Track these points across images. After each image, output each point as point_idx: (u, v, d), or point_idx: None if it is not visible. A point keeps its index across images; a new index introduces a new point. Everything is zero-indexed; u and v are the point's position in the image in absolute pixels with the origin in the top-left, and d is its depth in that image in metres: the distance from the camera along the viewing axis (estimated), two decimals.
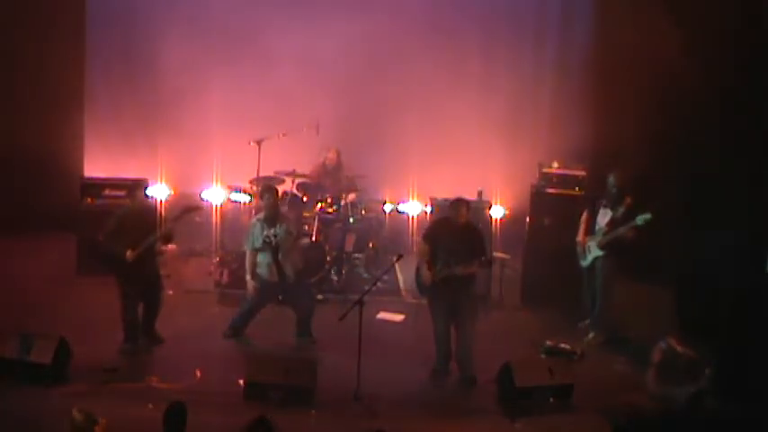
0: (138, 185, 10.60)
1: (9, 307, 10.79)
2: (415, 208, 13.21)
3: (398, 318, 11.66)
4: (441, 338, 10.02)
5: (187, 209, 10.59)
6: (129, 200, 10.39)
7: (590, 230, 11.18)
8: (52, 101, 13.55)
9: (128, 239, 10.07)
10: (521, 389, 9.39)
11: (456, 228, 10.02)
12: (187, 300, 11.60)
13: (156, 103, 14.14)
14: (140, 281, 10.21)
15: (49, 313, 10.89)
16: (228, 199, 13.29)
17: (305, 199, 12.68)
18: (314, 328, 10.68)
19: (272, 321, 10.89)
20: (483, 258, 10.05)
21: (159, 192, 13.21)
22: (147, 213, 10.37)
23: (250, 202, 12.86)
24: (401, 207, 13.33)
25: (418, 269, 10.18)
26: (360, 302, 9.49)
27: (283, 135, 12.78)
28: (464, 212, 10.06)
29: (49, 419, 8.46)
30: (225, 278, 12.24)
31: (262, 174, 12.64)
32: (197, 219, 10.82)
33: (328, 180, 12.91)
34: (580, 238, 11.24)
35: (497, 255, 11.97)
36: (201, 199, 13.49)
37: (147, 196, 12.39)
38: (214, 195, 13.40)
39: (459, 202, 10.13)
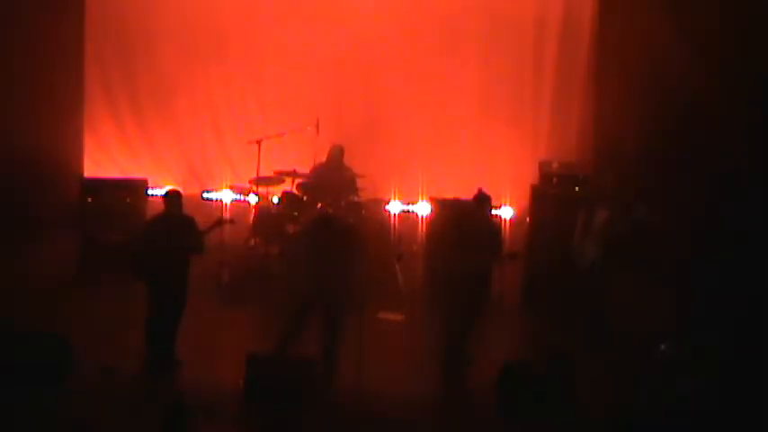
0: (176, 194, 10.29)
1: (9, 307, 10.78)
2: (424, 208, 13.17)
3: (398, 317, 11.66)
4: (455, 335, 9.99)
5: (218, 221, 10.52)
6: (165, 208, 10.17)
7: (588, 230, 11.19)
8: (52, 101, 13.54)
9: (158, 248, 9.93)
10: (520, 389, 9.39)
11: (477, 223, 10.01)
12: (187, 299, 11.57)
13: (156, 102, 14.15)
14: (168, 290, 9.98)
15: (48, 313, 10.87)
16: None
17: (305, 199, 12.67)
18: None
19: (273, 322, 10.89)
20: (511, 252, 10.14)
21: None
22: (180, 224, 10.07)
23: (256, 203, 12.85)
24: (401, 207, 13.31)
25: (438, 258, 10.13)
26: (360, 302, 9.49)
27: (283, 135, 12.78)
28: (488, 208, 10.07)
29: (48, 419, 8.46)
30: (225, 278, 12.24)
31: (262, 174, 12.64)
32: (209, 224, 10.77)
33: (329, 179, 12.86)
34: (577, 238, 11.25)
35: None
36: (203, 198, 13.50)
37: (148, 196, 12.43)
38: (214, 195, 13.39)
39: (483, 197, 10.11)
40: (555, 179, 12.27)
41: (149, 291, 10.05)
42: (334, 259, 9.73)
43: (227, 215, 12.07)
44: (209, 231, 10.27)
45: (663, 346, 9.29)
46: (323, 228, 10.03)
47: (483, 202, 10.08)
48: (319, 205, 12.44)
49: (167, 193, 10.20)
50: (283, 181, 12.87)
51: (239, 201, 13.24)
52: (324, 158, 13.08)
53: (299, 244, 10.30)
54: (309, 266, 9.85)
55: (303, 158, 13.05)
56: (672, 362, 9.22)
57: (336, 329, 9.79)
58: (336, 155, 12.97)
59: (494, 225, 10.29)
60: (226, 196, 13.22)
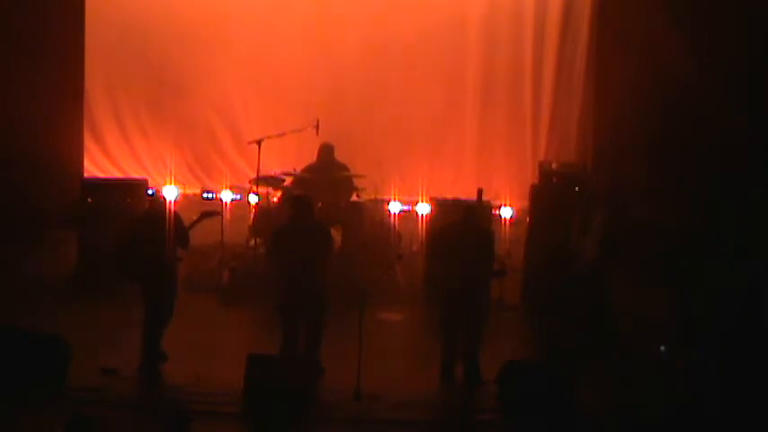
0: (154, 196, 10.31)
1: (9, 307, 10.78)
2: (424, 208, 13.15)
3: (398, 317, 11.64)
4: (450, 346, 9.98)
5: (202, 215, 10.49)
6: (147, 206, 10.13)
7: (587, 230, 11.18)
8: (52, 101, 13.55)
9: (144, 248, 9.95)
10: (521, 389, 9.38)
11: (464, 233, 9.94)
12: (187, 299, 11.58)
13: (156, 103, 14.17)
14: (159, 290, 9.91)
15: (48, 313, 10.88)
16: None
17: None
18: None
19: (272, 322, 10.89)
20: (497, 269, 10.09)
21: (169, 192, 13.10)
22: (162, 220, 9.99)
23: (256, 203, 12.84)
24: (401, 207, 13.29)
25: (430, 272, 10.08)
26: (360, 302, 9.48)
27: (283, 135, 12.78)
28: (471, 217, 10.02)
29: (47, 420, 8.46)
30: (225, 278, 12.23)
31: (262, 174, 12.63)
32: (194, 218, 10.75)
33: (324, 179, 12.82)
34: (577, 238, 11.25)
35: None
36: (203, 198, 13.50)
37: (150, 197, 12.41)
38: (215, 195, 13.40)
39: (466, 205, 10.08)
40: (555, 179, 12.25)
41: (138, 289, 10.01)
42: (302, 259, 9.72)
43: (211, 208, 11.94)
44: (194, 226, 10.24)
45: (663, 348, 9.28)
46: (294, 222, 9.96)
47: (478, 209, 10.03)
48: (320, 204, 12.44)
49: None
50: (283, 181, 12.86)
51: (239, 200, 13.24)
52: (314, 158, 13.05)
53: (272, 243, 10.29)
54: (281, 266, 9.87)
55: (303, 158, 13.06)
56: (672, 363, 9.22)
57: (314, 329, 9.81)
58: (327, 153, 12.92)
59: (487, 235, 10.19)
60: (226, 196, 13.21)
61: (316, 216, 10.46)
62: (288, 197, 10.53)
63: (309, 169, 12.92)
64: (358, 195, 12.83)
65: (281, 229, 10.13)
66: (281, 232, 10.06)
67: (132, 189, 12.67)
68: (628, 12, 12.73)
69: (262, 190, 12.81)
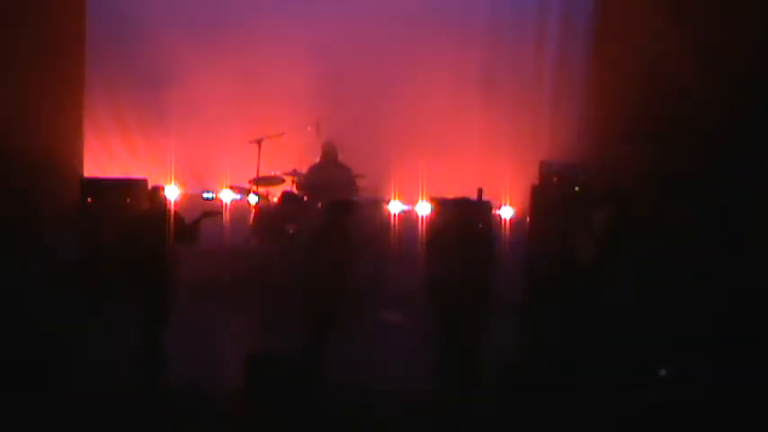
0: (155, 190, 10.35)
1: (9, 307, 10.78)
2: (425, 208, 13.16)
3: (398, 318, 11.65)
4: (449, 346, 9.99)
5: (206, 213, 10.48)
6: (147, 205, 10.17)
7: (587, 230, 11.18)
8: (52, 101, 13.55)
9: (142, 246, 9.93)
10: (521, 388, 9.38)
11: (464, 233, 9.96)
12: (187, 299, 11.58)
13: (156, 102, 14.16)
14: (159, 289, 9.93)
15: (48, 313, 10.88)
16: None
17: (305, 199, 12.67)
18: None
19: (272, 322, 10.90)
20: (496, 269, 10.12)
21: (169, 192, 13.08)
22: (162, 219, 10.04)
23: (256, 203, 12.85)
24: (401, 207, 13.30)
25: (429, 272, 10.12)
26: (359, 302, 9.50)
27: (283, 135, 12.79)
28: (468, 214, 10.03)
29: (47, 420, 8.46)
30: (226, 278, 12.24)
31: (262, 174, 12.65)
32: (196, 217, 10.76)
33: (327, 178, 12.84)
34: (576, 237, 11.24)
35: None
36: (203, 198, 13.50)
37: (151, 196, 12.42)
38: (215, 195, 13.40)
39: (461, 203, 10.09)
40: (555, 179, 12.26)
41: (138, 289, 10.01)
42: (340, 260, 9.76)
43: (211, 208, 11.94)
44: (199, 223, 10.24)
45: (663, 371, 9.31)
46: (333, 225, 10.01)
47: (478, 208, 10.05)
48: (319, 204, 12.45)
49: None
50: (283, 181, 12.87)
51: (239, 200, 13.24)
52: (318, 158, 13.08)
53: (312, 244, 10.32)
54: (316, 268, 9.91)
55: (303, 158, 13.07)
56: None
57: (324, 329, 9.83)
58: (330, 153, 12.95)
59: (487, 235, 10.21)
60: (226, 196, 13.22)
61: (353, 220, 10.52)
62: (332, 201, 10.51)
63: (313, 169, 12.96)
64: (357, 194, 12.85)
65: (320, 230, 10.17)
66: (320, 234, 10.10)
67: (132, 189, 12.67)
68: (628, 10, 12.72)
69: (262, 190, 12.83)
